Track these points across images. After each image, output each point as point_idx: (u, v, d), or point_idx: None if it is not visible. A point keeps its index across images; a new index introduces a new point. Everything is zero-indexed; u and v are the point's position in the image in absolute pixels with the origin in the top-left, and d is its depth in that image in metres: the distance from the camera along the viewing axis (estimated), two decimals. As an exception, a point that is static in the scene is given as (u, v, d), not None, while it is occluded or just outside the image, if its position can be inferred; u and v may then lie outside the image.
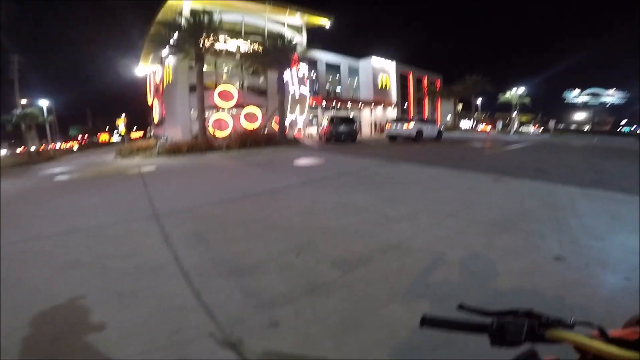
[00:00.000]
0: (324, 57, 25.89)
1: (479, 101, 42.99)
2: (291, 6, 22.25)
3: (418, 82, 37.12)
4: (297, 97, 22.49)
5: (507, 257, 2.77)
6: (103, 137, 59.21)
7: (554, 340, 0.58)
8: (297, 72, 20.75)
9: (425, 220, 3.83)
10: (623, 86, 67.40)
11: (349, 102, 28.32)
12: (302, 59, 18.15)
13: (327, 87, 28.07)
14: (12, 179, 11.35)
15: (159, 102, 25.66)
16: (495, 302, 2.12)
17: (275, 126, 19.54)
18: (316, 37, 21.37)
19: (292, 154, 11.97)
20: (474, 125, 40.04)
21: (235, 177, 8.12)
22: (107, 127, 70.14)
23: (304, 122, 23.68)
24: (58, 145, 36.19)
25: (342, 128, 17.53)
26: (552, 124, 40.79)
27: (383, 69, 32.11)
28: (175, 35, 15.66)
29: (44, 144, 28.66)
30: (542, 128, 43.50)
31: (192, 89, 18.15)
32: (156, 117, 27.36)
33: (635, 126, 61.48)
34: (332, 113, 24.63)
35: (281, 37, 18.27)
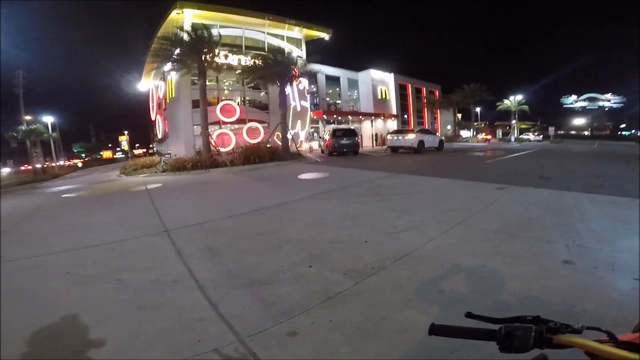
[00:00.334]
0: (324, 70, 26.27)
1: (478, 110, 43.35)
2: (290, 20, 22.72)
3: (417, 93, 37.58)
4: (298, 110, 22.80)
5: (516, 263, 2.83)
6: (106, 154, 59.89)
7: (563, 346, 0.58)
8: (298, 86, 21.06)
9: (433, 230, 3.90)
10: (619, 91, 68.30)
11: (350, 114, 28.65)
12: (302, 72, 18.44)
13: (327, 100, 28.42)
14: (20, 196, 11.50)
15: (162, 118, 25.95)
16: (508, 306, 2.17)
17: (277, 141, 19.73)
18: (315, 50, 21.73)
19: (296, 168, 12.10)
20: (474, 135, 40.31)
21: (242, 192, 8.21)
22: (110, 144, 70.97)
23: (306, 135, 23.91)
24: (62, 162, 36.50)
25: (344, 141, 17.67)
26: (551, 130, 41.04)
27: (382, 80, 32.59)
28: (178, 50, 15.90)
29: (48, 162, 28.76)
30: (542, 135, 43.71)
31: (195, 104, 18.46)
32: (159, 133, 27.64)
33: (635, 130, 61.75)
34: (333, 126, 24.89)
35: (281, 51, 18.60)
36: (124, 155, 50.55)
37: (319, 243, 3.70)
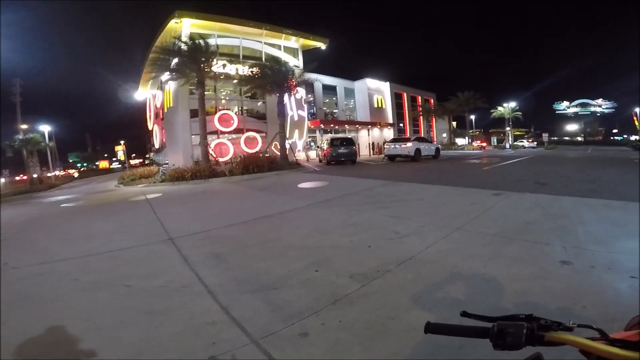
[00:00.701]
0: (321, 79, 26.56)
1: (472, 118, 43.93)
2: (287, 30, 23.03)
3: (412, 101, 38.04)
4: (295, 120, 22.99)
5: (516, 264, 2.93)
6: (103, 164, 59.67)
7: (555, 343, 0.60)
8: (295, 95, 21.26)
9: (434, 235, 3.99)
10: (609, 96, 69.72)
11: (346, 123, 28.90)
12: (300, 81, 18.65)
13: (324, 109, 28.68)
14: (18, 206, 11.46)
15: (159, 128, 25.94)
16: (510, 304, 2.27)
17: (275, 150, 19.81)
18: (312, 60, 22.00)
19: (295, 178, 12.20)
20: (469, 142, 40.76)
21: (243, 201, 8.28)
22: (106, 154, 70.73)
23: (303, 145, 24.06)
24: (58, 172, 36.29)
25: (342, 150, 17.81)
26: (545, 137, 41.66)
27: (378, 89, 33.00)
28: (176, 59, 15.99)
29: (45, 171, 28.46)
30: (536, 142, 44.30)
31: (193, 114, 18.52)
32: (156, 143, 27.61)
33: (627, 134, 62.79)
34: (330, 135, 25.09)
35: (279, 60, 18.78)
36: (120, 166, 50.41)
37: (323, 249, 3.78)
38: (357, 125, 29.95)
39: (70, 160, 67.87)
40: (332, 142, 18.25)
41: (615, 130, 72.88)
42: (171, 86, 20.13)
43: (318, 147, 24.32)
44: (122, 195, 11.72)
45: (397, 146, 18.51)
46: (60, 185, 24.03)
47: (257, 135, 21.22)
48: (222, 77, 19.24)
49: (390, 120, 33.54)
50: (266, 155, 17.30)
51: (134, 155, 64.00)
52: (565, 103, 71.60)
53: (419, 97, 39.28)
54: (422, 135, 26.80)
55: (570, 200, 5.45)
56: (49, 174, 28.29)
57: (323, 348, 1.95)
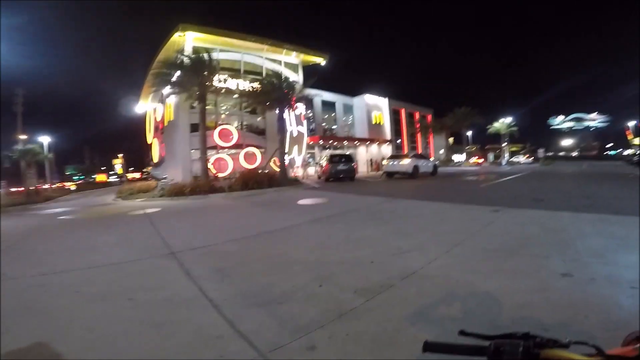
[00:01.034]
0: (320, 95, 26.92)
1: (469, 134, 44.43)
2: (288, 45, 23.48)
3: (410, 117, 38.52)
4: (294, 135, 23.19)
5: (517, 277, 2.98)
6: (100, 177, 59.41)
7: None
8: (295, 111, 21.52)
9: (435, 250, 4.04)
10: (604, 110, 70.94)
11: (345, 140, 29.13)
12: (299, 97, 18.89)
13: (323, 125, 28.96)
14: (15, 217, 11.37)
15: (159, 142, 26.00)
16: (511, 316, 2.30)
17: (274, 166, 19.86)
18: (312, 75, 22.40)
19: (295, 194, 12.26)
20: (466, 158, 41.15)
21: (244, 217, 8.29)
22: (103, 167, 70.55)
23: (302, 161, 24.17)
24: (55, 184, 36.02)
25: (341, 167, 17.94)
26: (540, 152, 42.14)
27: (376, 105, 33.46)
28: (178, 73, 16.12)
29: (41, 183, 28.15)
30: (532, 157, 44.75)
31: (193, 128, 18.61)
32: (155, 157, 27.63)
33: (621, 149, 63.58)
34: (329, 151, 25.26)
35: (280, 75, 19.05)
36: (118, 179, 50.19)
37: (326, 264, 3.81)
38: (356, 142, 30.21)
39: (67, 173, 67.53)
40: (331, 159, 18.37)
41: (609, 145, 73.85)
42: (172, 100, 20.25)
43: (317, 163, 24.41)
44: (120, 209, 11.68)
45: (395, 163, 18.66)
46: (57, 197, 23.83)
47: (257, 151, 21.33)
48: (223, 91, 19.43)
49: (388, 137, 33.89)
50: (265, 171, 17.34)
51: (132, 168, 63.90)
52: (561, 117, 72.80)
53: (417, 113, 39.83)
54: (420, 152, 27.09)
55: (568, 215, 5.54)
56: (44, 186, 27.97)
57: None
